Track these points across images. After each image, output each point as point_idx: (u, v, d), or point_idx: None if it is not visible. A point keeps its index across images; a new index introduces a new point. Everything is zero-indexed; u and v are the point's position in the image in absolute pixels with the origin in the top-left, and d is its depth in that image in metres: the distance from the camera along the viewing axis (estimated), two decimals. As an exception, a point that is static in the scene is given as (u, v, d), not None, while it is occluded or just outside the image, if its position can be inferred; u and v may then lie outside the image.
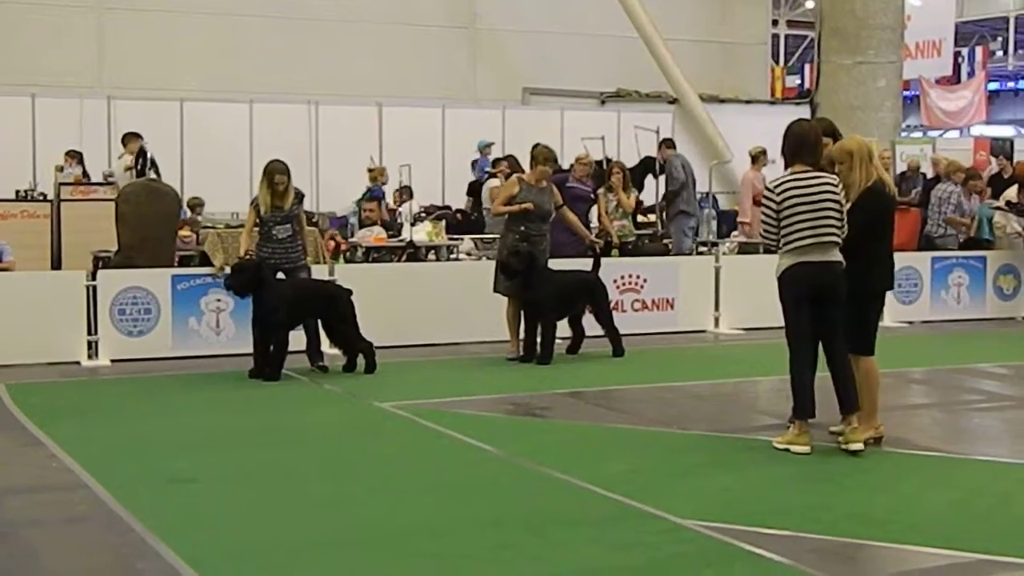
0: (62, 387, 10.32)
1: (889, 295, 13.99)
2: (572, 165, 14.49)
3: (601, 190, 14.20)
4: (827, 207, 7.57)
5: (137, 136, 15.85)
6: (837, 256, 7.62)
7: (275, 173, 10.75)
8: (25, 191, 16.10)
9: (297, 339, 10.78)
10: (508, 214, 11.46)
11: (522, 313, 11.43)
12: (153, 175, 14.88)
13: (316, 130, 20.24)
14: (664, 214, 16.47)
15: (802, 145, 7.75)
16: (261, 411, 9.21)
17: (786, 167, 7.85)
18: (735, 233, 17.46)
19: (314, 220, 15.97)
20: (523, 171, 17.52)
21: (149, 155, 15.81)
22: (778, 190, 7.67)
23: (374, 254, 14.81)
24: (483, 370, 11.15)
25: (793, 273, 7.65)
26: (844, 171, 7.84)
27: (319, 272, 11.80)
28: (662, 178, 16.94)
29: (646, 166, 17.84)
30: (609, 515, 6.33)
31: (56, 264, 14.88)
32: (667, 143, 17.12)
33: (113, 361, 11.21)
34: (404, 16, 22.95)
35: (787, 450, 7.64)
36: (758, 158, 17.14)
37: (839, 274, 7.62)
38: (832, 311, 7.68)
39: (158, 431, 8.47)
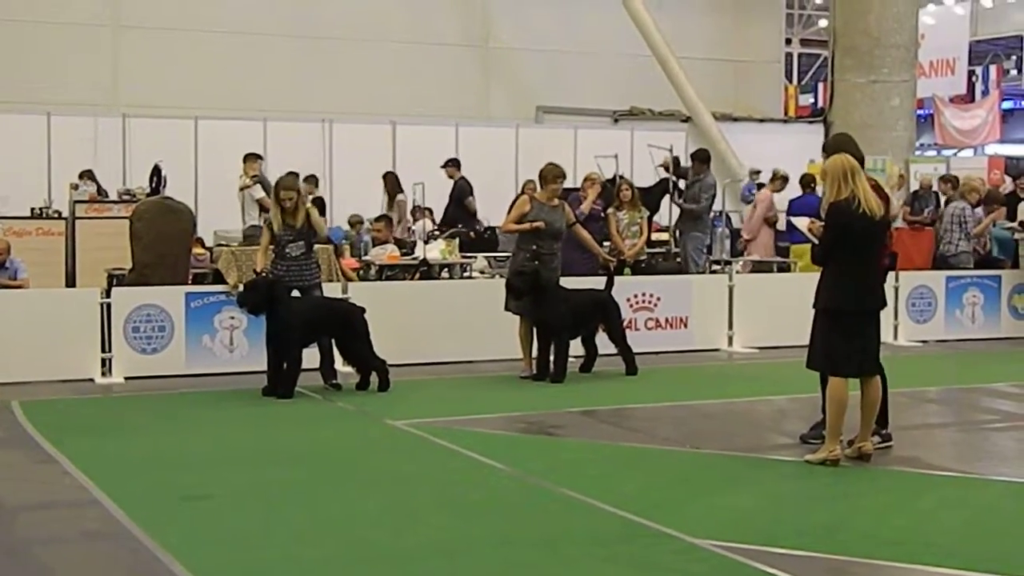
0: (76, 404, 10.33)
1: (903, 314, 14.26)
2: (582, 184, 14.47)
3: (610, 209, 14.13)
4: None
5: (257, 157, 15.98)
6: None
7: (280, 189, 10.77)
8: (40, 209, 16.18)
9: (311, 357, 10.78)
10: (520, 232, 11.48)
11: (535, 331, 11.43)
12: (167, 193, 14.94)
13: (330, 148, 20.30)
14: (678, 232, 16.35)
15: None
16: (274, 429, 9.21)
17: None
18: (746, 252, 17.43)
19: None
20: (402, 190, 17.54)
21: (163, 173, 15.87)
22: None
23: (387, 272, 14.82)
24: (496, 388, 11.14)
25: None
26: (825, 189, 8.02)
27: (332, 290, 11.80)
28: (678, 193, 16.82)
29: (663, 188, 17.78)
30: (622, 534, 6.31)
31: (71, 281, 14.93)
32: (701, 155, 16.60)
33: (127, 378, 11.22)
34: (418, 35, 23.01)
35: None
36: (776, 180, 17.07)
37: None
38: None
39: (171, 448, 8.48)
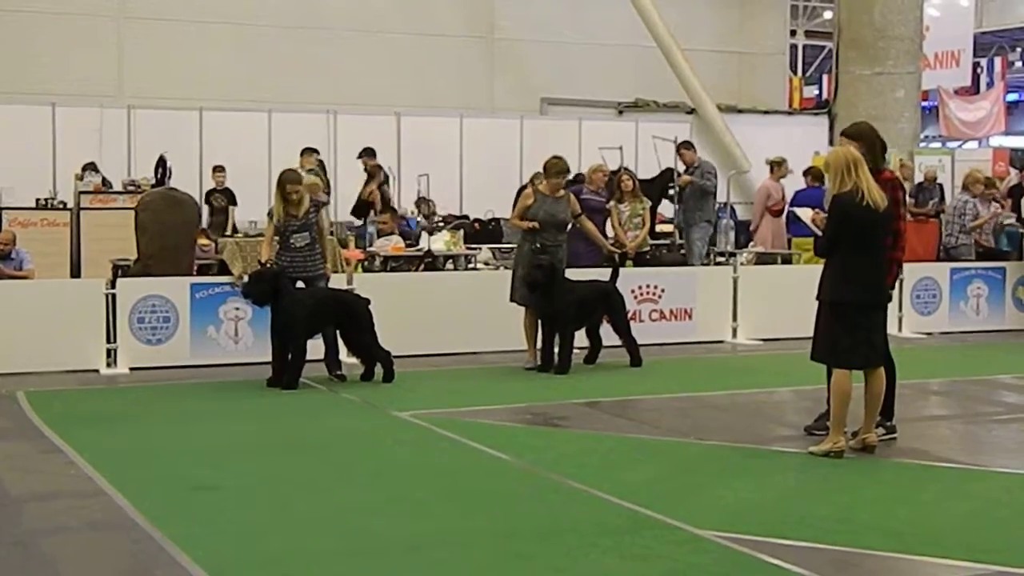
0: (81, 395, 10.36)
1: (907, 305, 14.25)
2: (588, 175, 14.47)
3: (611, 202, 14.13)
4: None
5: (313, 151, 16.13)
6: None
7: (287, 183, 10.77)
8: (45, 199, 16.20)
9: (315, 348, 10.80)
10: (522, 229, 11.54)
11: (539, 323, 11.43)
12: (172, 184, 14.96)
13: (334, 140, 20.28)
14: (683, 221, 16.32)
15: None
16: (279, 420, 9.23)
17: None
18: (752, 243, 17.42)
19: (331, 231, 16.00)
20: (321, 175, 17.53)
21: (168, 164, 15.89)
22: None
23: (392, 263, 14.84)
24: (500, 380, 11.15)
25: None
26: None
27: (337, 281, 11.81)
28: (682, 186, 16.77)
29: (665, 180, 17.75)
30: (626, 525, 6.32)
31: (76, 272, 14.96)
32: (687, 145, 16.80)
33: (132, 369, 11.24)
34: (422, 26, 23.01)
35: None
36: (775, 167, 17.06)
37: None
38: None
39: (176, 439, 8.50)
